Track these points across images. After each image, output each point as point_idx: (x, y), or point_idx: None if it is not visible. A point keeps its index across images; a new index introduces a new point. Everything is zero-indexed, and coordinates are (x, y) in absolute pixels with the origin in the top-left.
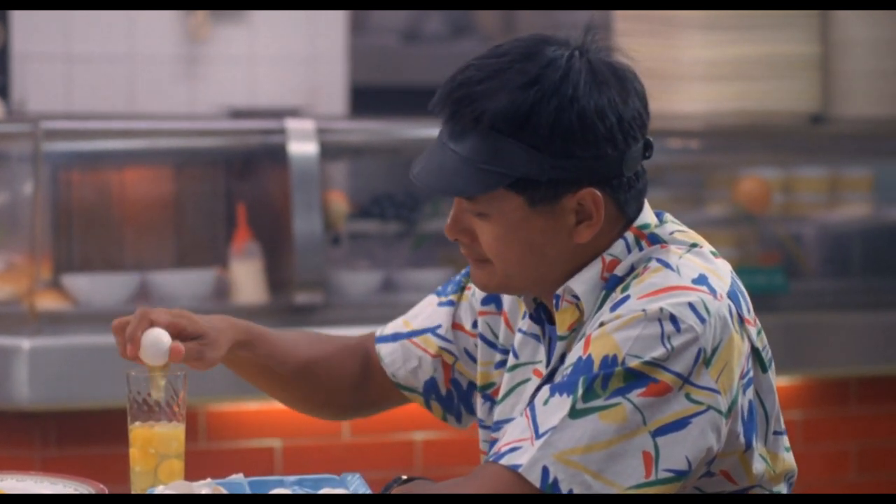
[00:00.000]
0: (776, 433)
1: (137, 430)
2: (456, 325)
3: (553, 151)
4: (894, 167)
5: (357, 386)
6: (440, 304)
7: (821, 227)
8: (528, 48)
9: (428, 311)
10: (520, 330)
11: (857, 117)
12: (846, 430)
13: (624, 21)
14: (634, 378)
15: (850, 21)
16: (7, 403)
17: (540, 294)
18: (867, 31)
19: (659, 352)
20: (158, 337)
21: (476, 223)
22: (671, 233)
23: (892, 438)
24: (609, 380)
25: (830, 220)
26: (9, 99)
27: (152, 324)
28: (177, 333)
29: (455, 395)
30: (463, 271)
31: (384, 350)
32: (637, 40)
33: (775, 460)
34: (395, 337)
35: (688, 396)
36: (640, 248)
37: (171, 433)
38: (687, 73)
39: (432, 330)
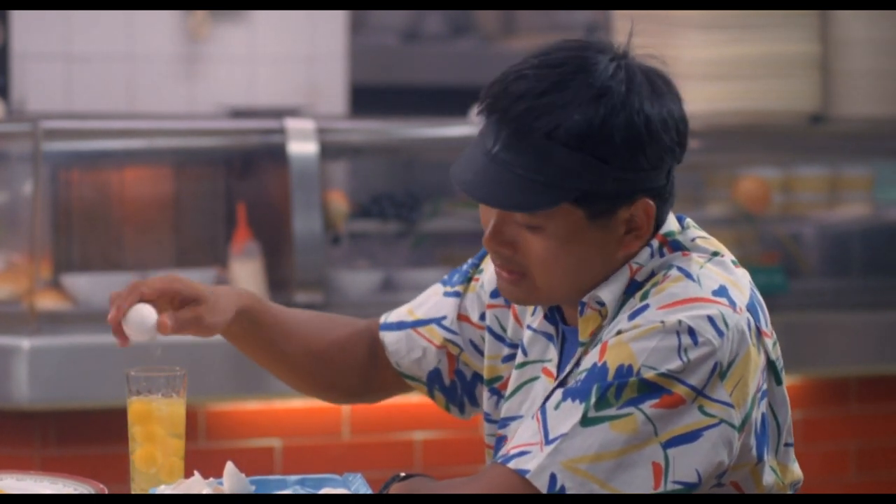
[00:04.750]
0: (787, 445)
1: (136, 405)
2: (462, 317)
3: (621, 164)
4: (894, 167)
5: (365, 370)
6: (446, 294)
7: (821, 227)
8: (583, 58)
9: (433, 301)
10: (529, 327)
11: (857, 117)
12: (846, 430)
13: (624, 21)
14: (648, 389)
15: (850, 21)
16: (7, 403)
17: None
18: (867, 31)
19: (675, 364)
20: (143, 313)
21: (524, 236)
22: (693, 239)
23: (892, 438)
24: (623, 390)
25: (830, 220)
26: (9, 99)
27: (142, 297)
28: (171, 299)
29: (459, 386)
30: (471, 261)
31: (389, 338)
32: (636, 40)
33: (785, 472)
34: (400, 326)
35: (701, 409)
36: (662, 255)
37: (170, 410)
38: (687, 72)
39: (437, 321)
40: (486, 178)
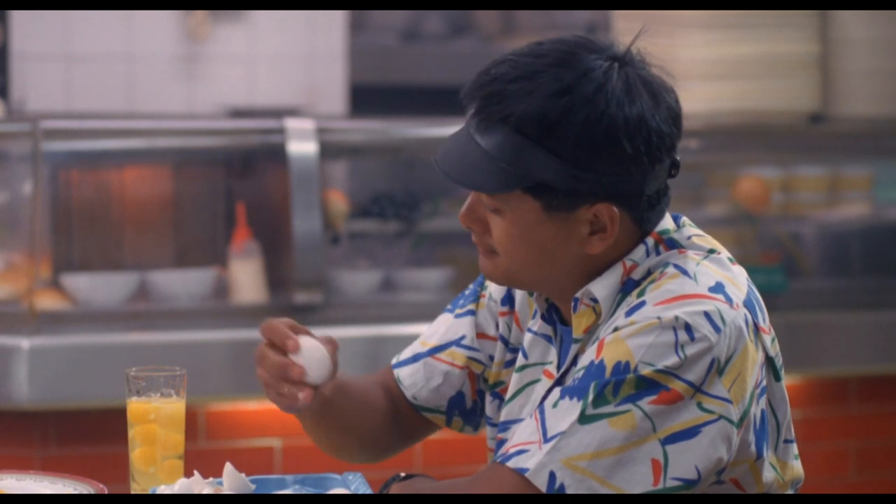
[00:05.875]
0: (786, 441)
1: (135, 405)
2: (480, 334)
3: (575, 162)
4: (894, 167)
5: (389, 422)
6: (458, 315)
7: (820, 227)
8: (568, 53)
9: (444, 327)
10: (529, 330)
11: (857, 117)
12: (846, 430)
13: (624, 21)
14: (646, 386)
15: (850, 21)
16: (7, 403)
17: (550, 295)
18: (867, 31)
19: (672, 360)
20: (323, 352)
21: (490, 216)
22: (689, 237)
23: (892, 438)
24: (620, 386)
25: (830, 220)
26: (8, 99)
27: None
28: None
29: (478, 405)
30: (476, 281)
31: (404, 373)
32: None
33: (784, 469)
34: (415, 358)
35: (699, 405)
36: (658, 253)
37: (170, 410)
38: (687, 72)
39: (456, 342)
40: (456, 155)
